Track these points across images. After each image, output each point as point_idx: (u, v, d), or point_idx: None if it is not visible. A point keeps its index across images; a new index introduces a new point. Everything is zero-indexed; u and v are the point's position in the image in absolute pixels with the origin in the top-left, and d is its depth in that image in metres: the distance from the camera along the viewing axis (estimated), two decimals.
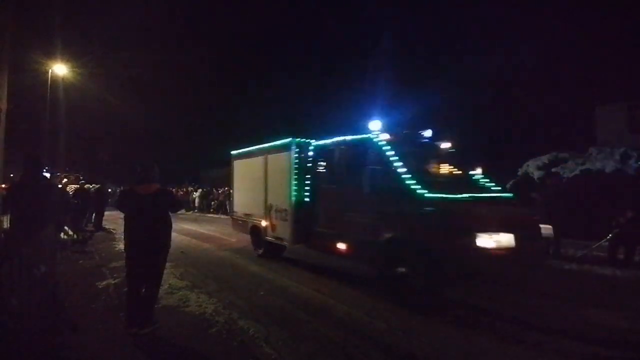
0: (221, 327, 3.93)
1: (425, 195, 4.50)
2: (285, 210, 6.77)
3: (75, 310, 4.38)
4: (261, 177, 7.65)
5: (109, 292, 5.22)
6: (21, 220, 4.07)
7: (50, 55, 17.19)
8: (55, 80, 17.76)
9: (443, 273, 4.26)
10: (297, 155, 6.68)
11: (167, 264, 4.18)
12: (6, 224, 5.02)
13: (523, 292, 5.21)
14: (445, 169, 6.12)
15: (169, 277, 5.82)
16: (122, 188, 18.14)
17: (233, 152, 9.31)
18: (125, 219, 3.84)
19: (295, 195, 6.61)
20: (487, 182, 5.69)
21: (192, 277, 6.10)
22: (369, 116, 5.62)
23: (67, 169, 30.07)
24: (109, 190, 20.50)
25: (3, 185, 6.37)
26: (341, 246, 5.71)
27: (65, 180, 24.01)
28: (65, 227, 9.54)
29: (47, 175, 9.32)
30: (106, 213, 13.21)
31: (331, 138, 6.31)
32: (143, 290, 3.79)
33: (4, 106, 5.18)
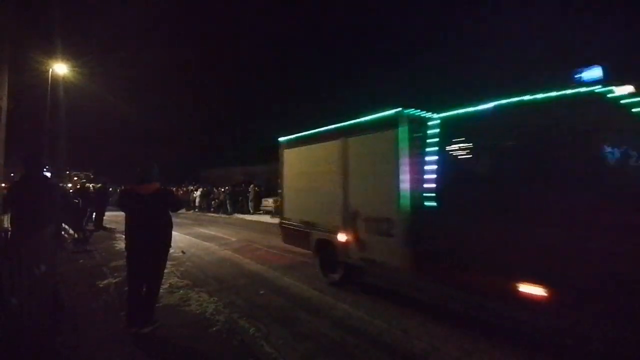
0: (221, 326, 3.94)
1: None
2: (388, 220, 4.55)
3: (75, 309, 4.40)
4: (334, 171, 5.53)
5: (110, 291, 5.23)
6: (21, 219, 4.08)
7: (51, 54, 17.22)
8: (55, 79, 17.78)
9: None
10: (409, 135, 4.39)
11: (168, 263, 4.19)
12: (6, 223, 5.04)
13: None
14: None
15: (170, 277, 5.82)
16: (122, 187, 18.15)
17: (282, 139, 7.16)
18: (126, 218, 3.85)
19: (410, 198, 4.31)
20: None
21: (192, 276, 6.10)
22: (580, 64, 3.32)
23: (69, 168, 30.10)
24: (110, 189, 20.52)
25: (3, 185, 6.39)
26: (530, 289, 3.23)
27: (75, 179, 23.99)
28: (66, 227, 9.56)
29: (48, 174, 9.33)
30: (108, 213, 13.23)
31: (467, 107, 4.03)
32: (143, 289, 3.80)
33: (5, 105, 5.19)
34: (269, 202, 19.60)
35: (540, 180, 3.22)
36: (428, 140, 4.26)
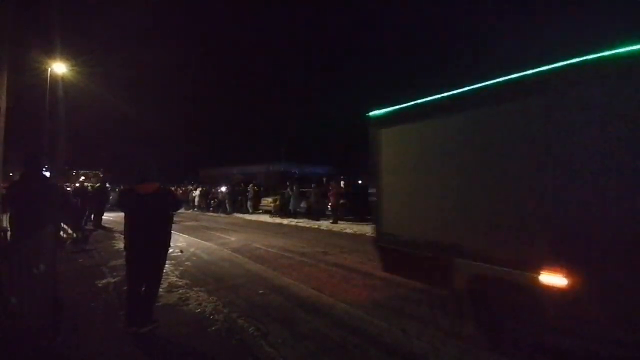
0: (220, 325, 3.94)
1: None
2: None
3: (74, 309, 4.39)
4: (530, 153, 3.04)
5: (109, 291, 5.23)
6: (20, 219, 4.08)
7: (50, 53, 17.20)
8: (55, 79, 17.76)
9: None
10: None
11: (167, 263, 4.19)
12: (5, 223, 5.03)
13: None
14: None
15: (169, 276, 5.82)
16: (121, 187, 18.13)
17: (376, 114, 4.81)
18: (125, 218, 3.85)
19: None
20: None
21: (191, 275, 6.10)
22: None
23: (68, 167, 29.98)
24: (109, 189, 20.43)
25: (2, 185, 6.38)
26: None
27: (82, 178, 23.63)
28: (65, 226, 9.56)
29: (47, 174, 9.33)
30: (108, 214, 13.25)
31: None
32: (143, 289, 3.80)
33: (4, 105, 5.17)
34: (268, 202, 19.62)
35: None
36: None
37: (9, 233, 4.54)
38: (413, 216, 4.28)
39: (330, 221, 14.38)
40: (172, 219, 4.18)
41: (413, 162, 4.32)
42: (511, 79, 3.24)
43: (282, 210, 17.62)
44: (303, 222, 14.72)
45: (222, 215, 19.72)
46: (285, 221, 15.58)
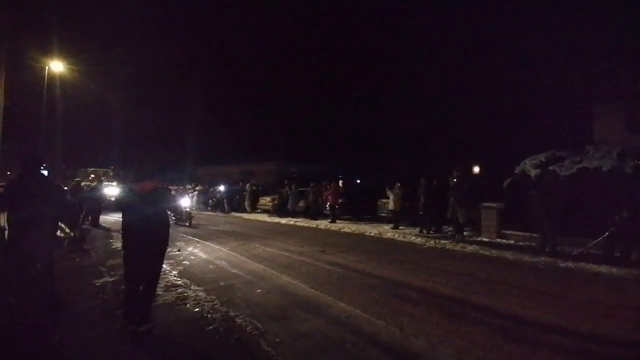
0: (218, 324, 3.93)
1: None
2: None
3: (72, 308, 4.38)
4: None
5: (106, 290, 5.21)
6: (18, 217, 4.06)
7: (48, 52, 17.15)
8: (52, 77, 17.71)
9: None
10: None
11: (165, 262, 4.18)
12: (3, 222, 5.01)
13: (520, 290, 5.24)
14: None
15: (167, 275, 5.81)
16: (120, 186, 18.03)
17: None
18: (123, 216, 3.84)
19: None
20: None
21: (189, 274, 6.09)
22: None
23: (64, 166, 29.83)
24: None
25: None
26: None
27: (92, 176, 23.23)
28: (62, 225, 9.52)
29: (45, 172, 9.28)
30: (115, 215, 13.23)
31: None
32: (140, 288, 3.79)
33: (2, 104, 5.16)
34: (266, 201, 19.61)
35: None
36: None
37: (6, 232, 4.51)
38: None
39: (329, 220, 14.39)
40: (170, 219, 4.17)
41: None
42: None
43: (280, 210, 17.61)
44: (301, 222, 14.72)
45: (220, 214, 19.68)
46: (283, 220, 15.57)
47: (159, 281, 4.22)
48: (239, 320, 4.04)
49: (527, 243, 8.97)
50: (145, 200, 3.75)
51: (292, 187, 17.18)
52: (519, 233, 9.54)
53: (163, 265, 4.07)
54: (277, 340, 3.56)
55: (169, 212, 13.05)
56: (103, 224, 12.77)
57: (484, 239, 9.83)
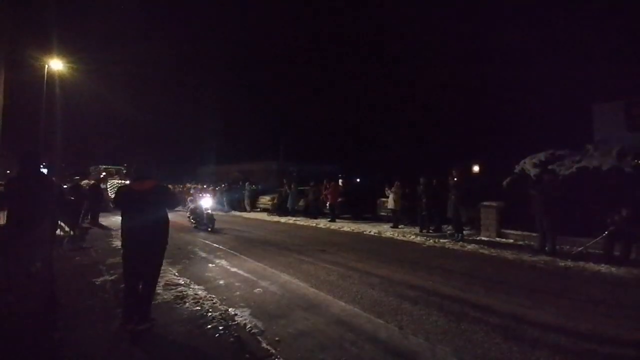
0: (217, 323, 3.93)
1: None
2: None
3: (71, 306, 4.38)
4: None
5: (106, 288, 5.21)
6: (17, 216, 4.06)
7: (47, 50, 17.12)
8: (52, 76, 17.69)
9: None
10: None
11: (164, 261, 4.17)
12: (2, 220, 5.01)
13: (519, 289, 5.25)
14: None
15: (166, 274, 5.81)
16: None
17: None
18: (122, 215, 3.84)
19: None
20: None
21: (189, 273, 6.10)
22: None
23: (64, 164, 29.73)
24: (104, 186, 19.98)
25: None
26: None
27: (103, 174, 22.38)
28: (62, 224, 9.52)
29: (45, 171, 9.28)
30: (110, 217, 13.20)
31: None
32: (140, 287, 3.79)
33: (1, 102, 5.15)
34: (266, 200, 19.61)
35: None
36: None
37: (5, 230, 4.51)
38: None
39: (328, 219, 14.39)
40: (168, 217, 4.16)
41: None
42: None
43: (280, 209, 17.61)
44: (301, 221, 14.72)
45: (220, 213, 19.68)
46: (283, 219, 15.58)
47: (159, 280, 4.23)
48: (238, 319, 4.04)
49: (526, 242, 8.97)
50: (144, 199, 3.74)
51: (292, 186, 17.18)
52: (519, 232, 9.55)
53: (162, 264, 4.05)
54: (276, 338, 3.57)
55: (188, 216, 11.82)
56: (102, 223, 12.76)
57: (484, 238, 9.83)
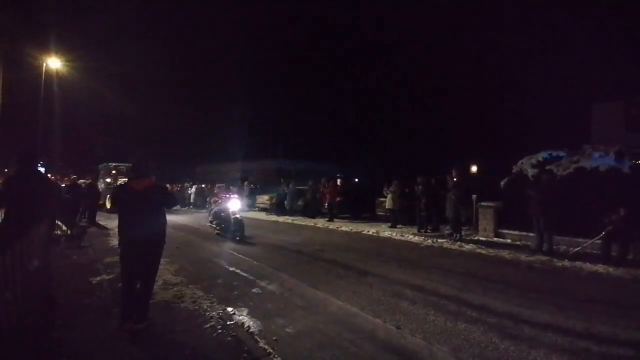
0: (216, 322, 3.94)
1: None
2: None
3: (69, 305, 4.38)
4: None
5: (103, 287, 5.21)
6: (15, 214, 4.05)
7: (44, 48, 17.08)
8: (50, 74, 17.65)
9: None
10: None
11: (162, 260, 4.17)
12: (0, 218, 5.00)
13: (516, 288, 5.26)
14: None
15: (164, 273, 5.80)
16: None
17: None
18: (120, 214, 3.83)
19: None
20: None
21: (187, 273, 6.09)
22: None
23: (62, 163, 29.63)
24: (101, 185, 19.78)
25: None
26: None
27: (114, 172, 21.74)
28: (59, 223, 9.51)
29: (42, 169, 9.26)
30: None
31: None
32: (137, 286, 3.79)
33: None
34: (264, 199, 19.58)
35: None
36: None
37: (3, 229, 4.50)
38: None
39: (327, 219, 14.39)
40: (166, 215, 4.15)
41: None
42: None
43: (278, 208, 17.60)
44: (299, 220, 14.71)
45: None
46: (281, 219, 15.57)
47: (156, 279, 4.23)
48: (236, 318, 4.04)
49: (523, 242, 8.99)
50: (142, 198, 3.74)
51: (290, 185, 17.17)
52: (516, 232, 9.57)
53: (160, 263, 4.05)
54: (275, 337, 3.57)
55: (211, 221, 10.53)
56: (100, 222, 12.74)
57: (481, 238, 9.85)
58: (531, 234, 8.58)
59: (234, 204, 10.29)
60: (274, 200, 18.28)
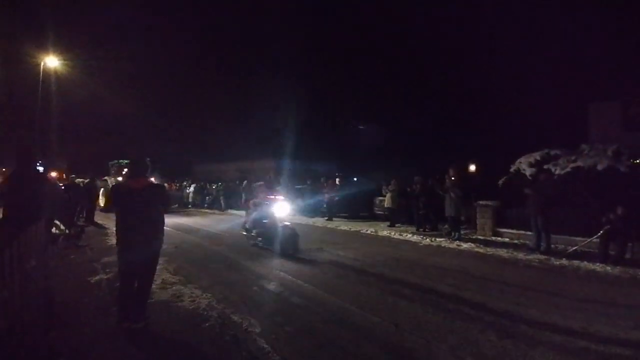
0: (214, 321, 3.94)
1: None
2: None
3: (67, 305, 4.37)
4: None
5: (101, 286, 5.20)
6: (13, 213, 4.05)
7: (42, 47, 17.03)
8: (48, 73, 17.60)
9: None
10: None
11: (161, 259, 4.17)
12: None
13: (514, 287, 5.28)
14: None
15: (162, 272, 5.79)
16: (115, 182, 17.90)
17: None
18: (117, 213, 3.83)
19: None
20: None
21: (185, 272, 6.08)
22: None
23: (64, 164, 29.43)
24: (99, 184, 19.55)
25: None
26: None
27: (126, 170, 21.23)
28: (57, 222, 9.49)
29: (41, 169, 9.23)
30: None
31: None
32: (135, 285, 3.79)
33: None
34: None
35: None
36: None
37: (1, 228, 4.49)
38: None
39: (325, 218, 14.39)
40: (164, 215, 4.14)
41: None
42: None
43: None
44: (298, 219, 14.72)
45: (217, 211, 19.65)
46: None
47: (155, 278, 4.23)
48: (234, 317, 4.04)
49: (521, 241, 9.01)
50: (140, 197, 3.73)
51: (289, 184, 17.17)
52: (514, 231, 9.59)
53: (158, 263, 4.05)
54: (273, 337, 3.57)
55: (247, 229, 8.45)
56: (98, 221, 12.72)
57: (479, 237, 9.87)
58: (529, 233, 8.61)
59: (281, 208, 8.02)
60: None
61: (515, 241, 9.18)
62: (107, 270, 6.00)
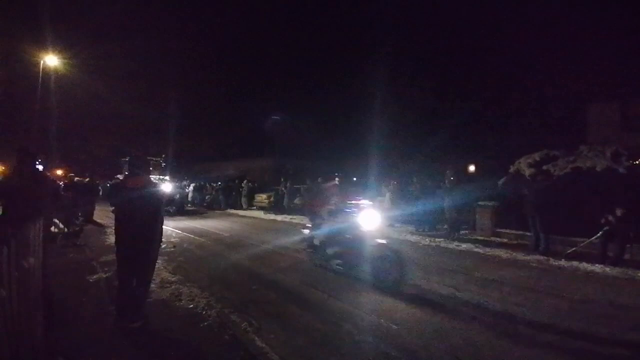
0: (213, 321, 3.94)
1: None
2: None
3: (65, 303, 4.36)
4: None
5: (100, 285, 5.20)
6: (12, 211, 4.04)
7: (41, 45, 17.01)
8: (47, 72, 17.58)
9: None
10: None
11: (159, 258, 4.17)
12: None
13: (513, 288, 5.28)
14: None
15: (161, 271, 5.80)
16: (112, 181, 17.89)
17: None
18: (116, 212, 3.82)
19: None
20: None
21: (184, 271, 6.08)
22: None
23: (57, 161, 29.39)
24: (98, 183, 19.52)
25: None
26: None
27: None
28: (56, 220, 9.48)
29: (40, 167, 9.22)
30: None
31: None
32: (134, 284, 3.79)
33: None
34: (262, 198, 19.57)
35: None
36: None
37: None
38: None
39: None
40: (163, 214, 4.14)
41: None
42: None
43: (276, 207, 17.59)
44: (297, 219, 14.71)
45: (217, 211, 19.64)
46: (279, 217, 15.56)
47: (153, 277, 4.22)
48: (233, 317, 4.05)
49: (520, 242, 9.02)
50: (138, 196, 3.73)
51: (288, 184, 17.16)
52: (513, 232, 9.60)
53: (157, 262, 4.05)
54: (272, 336, 3.57)
55: (316, 244, 6.53)
56: (97, 220, 12.70)
57: (478, 238, 9.88)
58: (528, 234, 8.61)
59: (370, 218, 5.64)
60: (272, 199, 18.26)
61: (515, 242, 9.19)
62: (106, 269, 5.99)
